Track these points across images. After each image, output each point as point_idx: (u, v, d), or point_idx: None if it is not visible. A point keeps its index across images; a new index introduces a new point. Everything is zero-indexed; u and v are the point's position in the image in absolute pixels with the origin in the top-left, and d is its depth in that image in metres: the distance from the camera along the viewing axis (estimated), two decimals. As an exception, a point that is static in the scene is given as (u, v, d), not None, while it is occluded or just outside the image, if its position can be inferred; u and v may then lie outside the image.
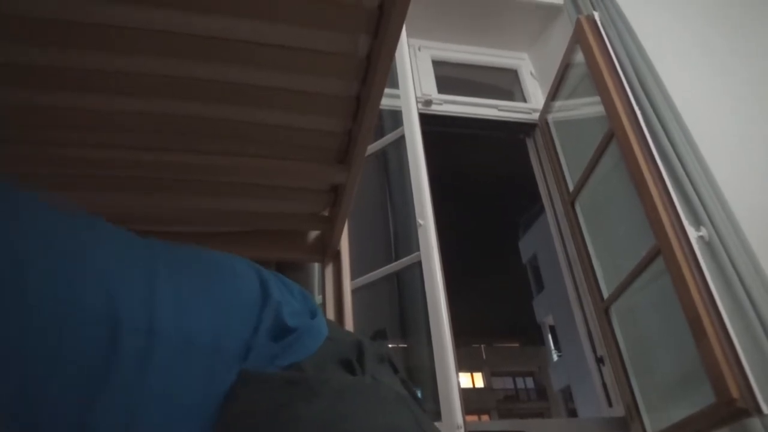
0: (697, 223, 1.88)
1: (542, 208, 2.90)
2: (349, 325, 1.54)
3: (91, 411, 0.43)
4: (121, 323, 0.45)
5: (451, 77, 3.02)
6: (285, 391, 0.50)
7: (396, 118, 2.39)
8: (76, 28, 0.97)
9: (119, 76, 1.07)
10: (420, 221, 1.96)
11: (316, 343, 0.58)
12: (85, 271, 0.47)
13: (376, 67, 1.06)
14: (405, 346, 2.18)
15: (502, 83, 3.18)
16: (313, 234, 1.66)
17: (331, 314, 1.58)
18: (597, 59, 2.21)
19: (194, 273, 0.57)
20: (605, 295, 2.24)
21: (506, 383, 26.05)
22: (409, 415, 0.53)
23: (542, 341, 21.23)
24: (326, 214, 1.55)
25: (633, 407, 2.03)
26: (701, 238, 1.84)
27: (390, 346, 2.39)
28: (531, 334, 22.70)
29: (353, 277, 1.71)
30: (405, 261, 2.06)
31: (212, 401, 0.49)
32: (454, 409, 1.59)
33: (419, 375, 2.06)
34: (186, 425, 0.48)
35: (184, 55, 1.08)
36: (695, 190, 1.93)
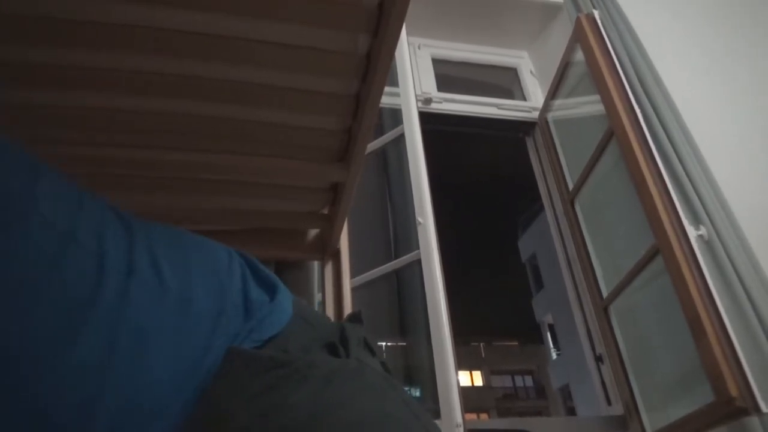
0: (697, 222, 1.88)
1: (542, 207, 2.90)
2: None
3: (72, 344, 0.44)
4: (107, 260, 0.48)
5: (451, 75, 3.02)
6: (272, 373, 0.49)
7: (396, 116, 2.39)
8: (75, 27, 0.97)
9: (117, 74, 1.07)
10: (420, 220, 1.96)
11: (285, 318, 0.58)
12: (82, 213, 0.50)
13: (376, 66, 1.06)
14: (404, 344, 2.18)
15: (502, 82, 3.18)
16: (313, 232, 1.66)
17: (330, 313, 1.58)
18: (597, 58, 2.21)
19: (168, 235, 0.59)
20: (604, 294, 2.24)
21: (505, 382, 26.08)
22: (397, 398, 0.53)
23: (541, 340, 21.26)
24: (326, 212, 1.54)
25: (632, 406, 2.03)
26: (701, 237, 1.84)
27: (389, 344, 2.39)
28: (530, 333, 22.73)
29: (353, 275, 1.71)
30: (404, 259, 2.06)
31: (186, 357, 0.49)
32: (453, 408, 1.59)
33: (418, 373, 2.06)
34: (160, 378, 0.48)
35: (182, 54, 1.08)
36: (695, 189, 1.93)
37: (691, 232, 1.79)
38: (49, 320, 0.43)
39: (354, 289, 1.68)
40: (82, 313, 0.45)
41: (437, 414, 1.64)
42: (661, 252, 1.82)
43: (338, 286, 1.60)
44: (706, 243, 1.84)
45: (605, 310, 2.22)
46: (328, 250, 1.63)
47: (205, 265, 0.58)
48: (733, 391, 1.51)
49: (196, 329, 0.51)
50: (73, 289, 0.45)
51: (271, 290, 0.61)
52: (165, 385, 0.48)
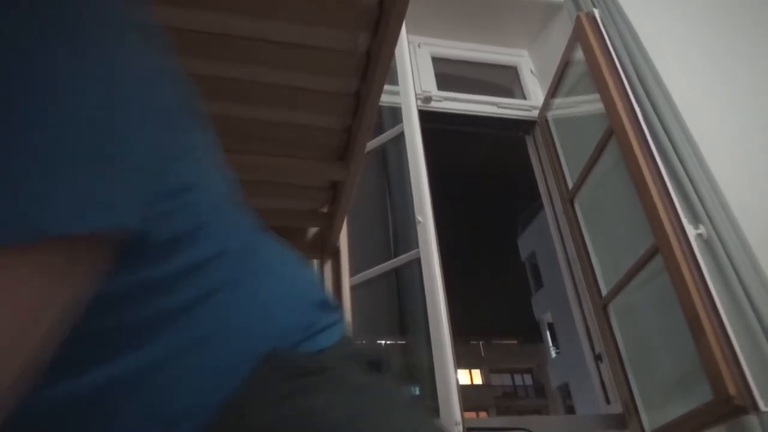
0: (696, 221, 1.88)
1: (541, 206, 2.90)
2: (347, 321, 1.54)
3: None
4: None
5: (451, 74, 3.02)
6: (303, 379, 0.47)
7: (395, 115, 2.39)
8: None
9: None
10: (419, 218, 1.96)
11: (339, 333, 0.57)
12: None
13: (375, 64, 1.06)
14: (403, 342, 2.18)
15: (502, 80, 3.18)
16: (312, 231, 1.67)
17: (330, 311, 1.58)
18: (597, 57, 2.21)
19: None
20: (604, 292, 2.24)
21: (504, 380, 26.11)
22: (431, 425, 0.52)
23: (540, 338, 21.29)
24: (325, 210, 1.55)
25: (631, 404, 2.03)
26: (700, 236, 1.84)
27: (388, 342, 2.39)
28: (529, 332, 22.75)
29: (352, 273, 1.71)
30: (404, 258, 2.06)
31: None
32: (452, 406, 1.59)
33: (417, 372, 2.06)
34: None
35: (183, 52, 1.08)
36: (694, 188, 1.94)
37: (691, 232, 1.79)
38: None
39: (353, 288, 1.69)
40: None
41: (437, 412, 1.64)
42: (661, 251, 1.82)
43: (337, 284, 1.60)
44: (706, 242, 1.84)
45: (604, 308, 2.22)
46: (327, 249, 1.63)
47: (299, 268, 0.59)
48: (732, 390, 1.51)
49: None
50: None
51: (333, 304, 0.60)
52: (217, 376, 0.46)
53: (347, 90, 1.17)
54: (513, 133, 3.06)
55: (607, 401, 2.22)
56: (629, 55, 2.26)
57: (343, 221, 1.55)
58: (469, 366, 24.98)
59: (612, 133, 2.13)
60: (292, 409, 0.44)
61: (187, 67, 1.10)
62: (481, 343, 26.34)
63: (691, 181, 1.95)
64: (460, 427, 1.55)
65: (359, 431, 0.44)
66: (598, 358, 2.31)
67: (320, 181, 1.45)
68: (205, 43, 1.07)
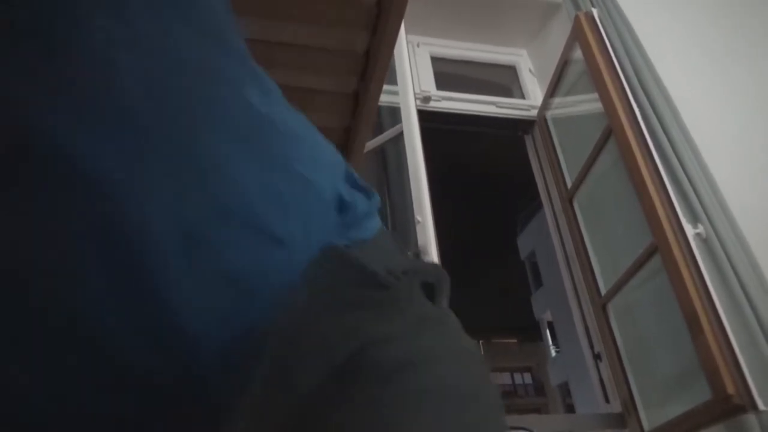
0: (695, 220, 1.88)
1: (540, 205, 2.91)
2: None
3: None
4: None
5: (450, 73, 3.02)
6: (369, 293, 0.39)
7: (394, 114, 2.39)
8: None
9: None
10: (418, 218, 1.96)
11: (377, 225, 0.48)
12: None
13: (375, 64, 1.07)
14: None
15: (501, 80, 3.18)
16: (312, 230, 1.67)
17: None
18: (595, 56, 2.21)
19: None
20: (603, 291, 2.25)
21: (504, 379, 26.13)
22: (491, 384, 0.45)
23: (540, 337, 21.29)
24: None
25: (630, 403, 2.03)
26: (698, 235, 1.84)
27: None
28: (529, 331, 22.77)
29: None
30: (403, 258, 2.06)
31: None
32: (451, 406, 1.59)
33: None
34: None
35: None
36: (693, 187, 1.94)
37: (689, 231, 1.80)
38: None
39: (353, 287, 1.68)
40: None
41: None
42: (659, 250, 1.82)
43: (337, 284, 1.60)
44: (704, 241, 1.84)
45: (603, 307, 2.23)
46: (326, 248, 1.63)
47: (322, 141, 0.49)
48: (731, 389, 1.52)
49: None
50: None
51: (367, 190, 0.49)
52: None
53: (346, 89, 1.17)
54: (512, 132, 3.06)
55: (607, 400, 2.23)
56: (628, 54, 2.27)
57: (342, 221, 1.55)
58: (469, 365, 24.92)
59: (611, 133, 2.13)
60: (356, 329, 0.36)
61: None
62: (480, 341, 26.36)
63: (690, 181, 1.95)
64: (460, 427, 1.55)
65: (434, 379, 0.36)
66: (597, 357, 2.31)
67: (319, 181, 1.46)
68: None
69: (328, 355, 0.35)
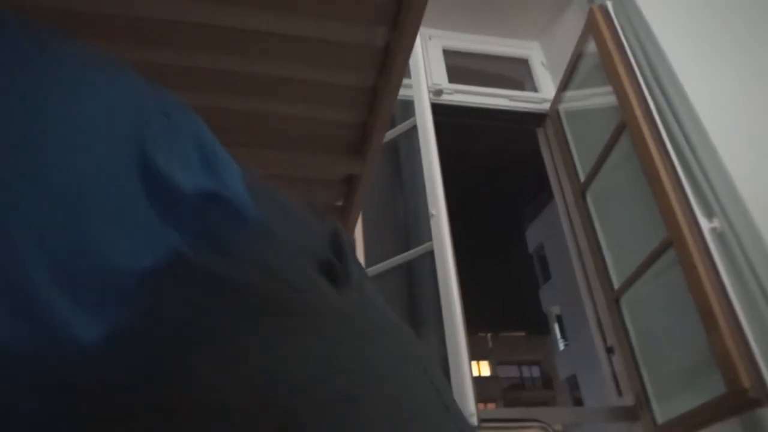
0: (710, 214, 1.87)
1: (549, 198, 2.90)
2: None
3: None
4: None
5: (462, 67, 3.01)
6: (244, 306, 0.31)
7: (407, 108, 2.39)
8: (92, 20, 0.98)
9: (137, 68, 1.08)
10: (432, 211, 1.97)
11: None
12: None
13: (394, 59, 1.07)
14: (414, 334, 2.20)
15: (513, 73, 3.17)
16: (327, 224, 1.68)
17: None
18: (609, 49, 2.20)
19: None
20: (615, 285, 2.25)
21: (512, 372, 26.14)
22: (424, 378, 0.35)
23: (548, 330, 21.26)
24: (340, 204, 1.56)
25: (643, 397, 2.04)
26: (714, 229, 1.83)
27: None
28: (537, 324, 22.74)
29: (366, 266, 1.72)
30: (417, 251, 2.07)
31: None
32: (466, 397, 1.60)
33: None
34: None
35: (200, 48, 1.09)
36: (708, 181, 1.93)
37: (705, 225, 1.79)
38: None
39: (368, 281, 1.70)
40: None
41: (450, 404, 1.65)
42: (674, 244, 1.82)
43: (352, 277, 1.61)
44: (720, 235, 1.83)
45: (616, 301, 2.23)
46: (342, 242, 1.64)
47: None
48: (746, 383, 1.52)
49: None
50: None
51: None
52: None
53: (364, 85, 1.18)
54: (524, 125, 3.06)
55: (619, 393, 2.23)
56: (642, 47, 2.25)
57: (358, 215, 1.55)
58: (477, 358, 25.04)
59: (625, 126, 2.13)
60: (235, 357, 0.29)
61: (207, 61, 1.11)
62: (488, 334, 26.37)
63: (705, 174, 1.94)
64: (474, 418, 1.57)
65: (331, 398, 0.29)
66: (609, 350, 2.31)
67: (335, 175, 1.46)
68: (222, 37, 1.08)
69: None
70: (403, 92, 2.38)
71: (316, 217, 0.46)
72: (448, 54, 2.95)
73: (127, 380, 0.28)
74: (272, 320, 0.31)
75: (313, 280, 0.35)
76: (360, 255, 1.67)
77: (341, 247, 0.39)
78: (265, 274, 0.33)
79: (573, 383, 18.37)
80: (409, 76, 2.34)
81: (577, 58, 2.56)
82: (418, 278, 2.15)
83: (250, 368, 0.29)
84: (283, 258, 0.36)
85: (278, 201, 0.43)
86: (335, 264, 0.37)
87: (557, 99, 2.78)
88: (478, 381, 24.30)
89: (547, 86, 2.97)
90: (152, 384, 0.28)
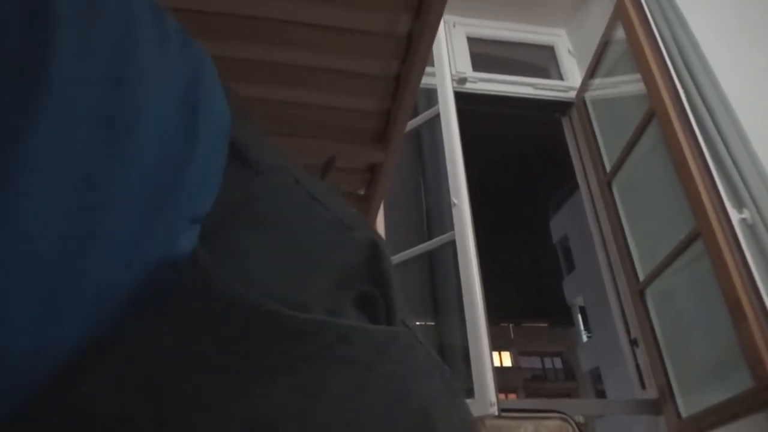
0: (740, 205, 1.83)
1: (574, 188, 2.87)
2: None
3: None
4: None
5: (486, 54, 2.98)
6: (277, 347, 0.25)
7: (430, 96, 2.38)
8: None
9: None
10: (455, 200, 1.96)
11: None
12: None
13: (417, 47, 1.06)
14: (433, 323, 2.20)
15: (539, 60, 3.12)
16: (349, 213, 1.68)
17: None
18: (638, 36, 2.15)
19: None
20: (641, 277, 2.21)
21: (534, 363, 26.04)
22: (461, 411, 0.31)
23: (571, 322, 21.10)
24: (362, 193, 1.56)
25: (667, 390, 2.01)
26: (744, 220, 1.79)
27: (419, 323, 2.41)
28: (560, 315, 22.58)
29: (388, 255, 1.73)
30: (439, 240, 2.06)
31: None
32: (487, 387, 1.60)
33: (449, 352, 2.08)
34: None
35: (223, 36, 1.10)
36: (738, 171, 1.88)
37: (734, 216, 1.75)
38: None
39: (389, 269, 1.70)
40: None
41: (470, 393, 1.66)
42: (702, 236, 1.79)
43: (374, 265, 1.62)
44: (750, 227, 1.79)
45: (641, 293, 2.20)
46: (364, 231, 1.65)
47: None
48: (774, 378, 1.49)
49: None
50: None
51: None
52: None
53: (387, 73, 1.17)
54: (549, 114, 3.02)
55: (643, 386, 2.21)
56: (672, 34, 2.20)
57: (380, 204, 1.56)
58: (499, 348, 24.99)
59: (653, 115, 2.08)
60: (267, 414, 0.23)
61: (227, 50, 1.12)
62: (510, 325, 26.29)
63: (736, 164, 1.89)
64: (495, 408, 1.57)
65: None
66: (633, 342, 2.28)
67: (358, 164, 1.46)
68: (245, 26, 1.08)
69: None
70: (426, 80, 2.37)
71: (350, 219, 0.33)
72: (473, 41, 2.92)
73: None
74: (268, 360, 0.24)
75: (346, 309, 0.28)
76: (382, 244, 1.67)
77: (382, 272, 0.30)
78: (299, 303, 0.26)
79: (596, 375, 18.22)
80: (432, 64, 2.32)
81: (604, 44, 2.51)
82: (440, 268, 2.14)
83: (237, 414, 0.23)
84: (302, 277, 0.28)
85: (302, 193, 0.32)
86: (376, 297, 0.29)
87: (584, 87, 2.74)
88: (500, 371, 24.26)
89: (573, 74, 2.92)
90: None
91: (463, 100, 2.63)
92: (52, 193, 0.22)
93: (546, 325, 27.04)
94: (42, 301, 0.22)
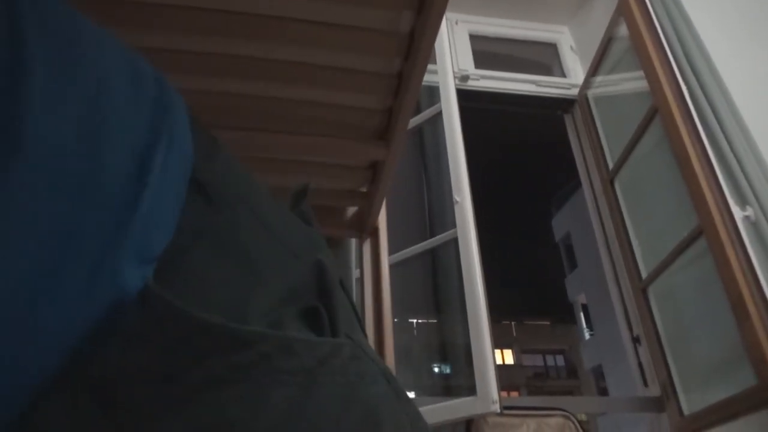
0: (743, 202, 1.82)
1: (576, 186, 2.86)
2: (387, 300, 1.56)
3: None
4: None
5: (489, 52, 2.97)
6: (220, 359, 0.27)
7: (432, 93, 2.37)
8: (114, 5, 0.99)
9: (155, 53, 1.09)
10: (457, 198, 1.96)
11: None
12: None
13: (419, 44, 1.06)
14: (435, 321, 2.20)
15: (541, 58, 3.11)
16: (351, 210, 1.68)
17: (369, 290, 1.60)
18: (642, 33, 2.14)
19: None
20: (643, 275, 2.21)
21: (536, 360, 26.04)
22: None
23: (573, 320, 21.08)
24: (365, 190, 1.56)
25: (669, 387, 2.01)
26: (747, 218, 1.79)
27: (420, 321, 2.41)
28: (562, 312, 22.56)
29: (390, 253, 1.72)
30: (441, 237, 2.06)
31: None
32: (490, 385, 1.60)
33: (451, 350, 2.08)
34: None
35: (226, 33, 1.10)
36: (742, 168, 1.88)
37: (737, 214, 1.74)
38: None
39: (391, 267, 1.70)
40: None
41: (473, 390, 1.66)
42: (705, 233, 1.78)
43: (376, 263, 1.62)
44: (753, 225, 1.79)
45: (644, 291, 2.19)
46: (366, 228, 1.65)
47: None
48: (777, 376, 1.48)
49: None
50: None
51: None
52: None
53: (389, 70, 1.17)
54: (551, 111, 3.01)
55: (645, 384, 2.20)
56: (676, 31, 2.19)
57: (382, 201, 1.56)
58: (501, 346, 24.99)
59: (656, 112, 2.08)
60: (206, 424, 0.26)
61: (229, 47, 1.12)
62: (512, 323, 26.28)
63: (739, 162, 1.89)
64: (497, 405, 1.57)
65: None
66: (636, 340, 2.28)
67: (360, 161, 1.46)
68: (246, 23, 1.08)
69: None
70: (428, 78, 2.37)
71: (299, 244, 0.38)
72: (475, 39, 2.91)
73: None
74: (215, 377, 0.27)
75: (290, 323, 0.30)
76: (384, 241, 1.66)
77: (326, 289, 0.34)
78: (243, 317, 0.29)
79: (598, 373, 18.22)
80: (434, 61, 2.32)
81: (607, 41, 2.50)
82: (442, 265, 2.14)
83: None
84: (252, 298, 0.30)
85: (260, 213, 0.37)
86: (320, 310, 0.33)
87: (586, 84, 2.73)
88: (502, 369, 24.27)
89: (575, 71, 2.92)
90: None
91: (466, 97, 2.63)
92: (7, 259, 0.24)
93: (548, 322, 27.02)
94: None
